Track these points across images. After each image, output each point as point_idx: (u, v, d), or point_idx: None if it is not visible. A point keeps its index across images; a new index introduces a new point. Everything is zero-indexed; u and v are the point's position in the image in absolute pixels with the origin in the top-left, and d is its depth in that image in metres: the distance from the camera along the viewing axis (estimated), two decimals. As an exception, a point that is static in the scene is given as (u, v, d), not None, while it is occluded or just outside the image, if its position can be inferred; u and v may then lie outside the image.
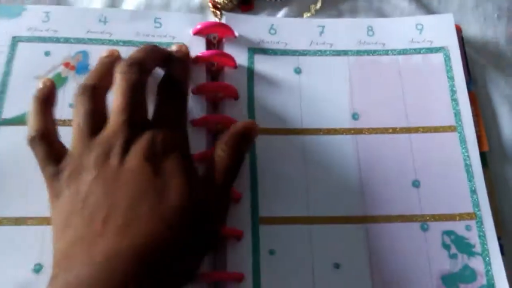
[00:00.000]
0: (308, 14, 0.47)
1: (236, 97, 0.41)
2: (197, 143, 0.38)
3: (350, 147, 0.41)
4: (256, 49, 0.43)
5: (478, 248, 0.38)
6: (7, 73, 0.40)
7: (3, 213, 0.36)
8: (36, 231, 0.35)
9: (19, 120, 0.38)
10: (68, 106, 0.40)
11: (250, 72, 0.42)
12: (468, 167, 0.40)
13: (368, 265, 0.37)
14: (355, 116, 0.42)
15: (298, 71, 0.43)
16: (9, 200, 0.36)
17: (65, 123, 0.39)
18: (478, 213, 0.39)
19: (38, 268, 0.34)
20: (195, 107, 0.40)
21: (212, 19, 0.46)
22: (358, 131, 0.41)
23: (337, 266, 0.37)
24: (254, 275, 0.36)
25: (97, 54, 0.39)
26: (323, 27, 0.45)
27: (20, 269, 0.34)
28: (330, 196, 0.39)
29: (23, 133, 0.34)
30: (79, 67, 0.41)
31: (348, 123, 0.42)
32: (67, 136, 0.34)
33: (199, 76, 0.41)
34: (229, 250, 0.37)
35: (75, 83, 0.40)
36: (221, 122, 0.39)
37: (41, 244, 0.35)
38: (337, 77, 0.43)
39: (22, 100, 0.39)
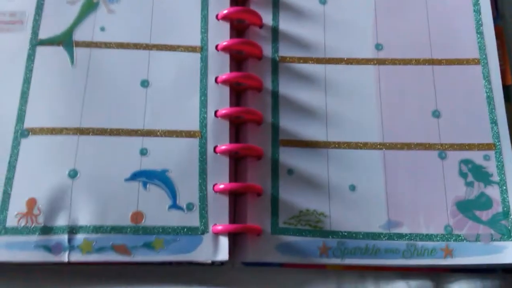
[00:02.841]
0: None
1: (260, 24, 0.42)
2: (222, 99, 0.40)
3: (371, 77, 0.41)
4: (282, -21, 0.44)
5: (495, 177, 0.39)
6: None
7: (40, 124, 0.38)
8: (71, 140, 0.38)
9: (52, 41, 0.40)
10: (99, 30, 0.41)
11: (275, 1, 0.43)
12: (490, 99, 0.41)
13: (384, 189, 0.38)
14: (378, 47, 0.42)
15: (323, 1, 0.43)
16: (45, 112, 0.38)
17: (97, 45, 0.40)
18: (497, 143, 0.39)
19: (73, 174, 0.37)
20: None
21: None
22: (381, 62, 0.42)
23: (353, 188, 0.38)
24: (272, 191, 0.38)
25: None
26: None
27: (56, 174, 0.37)
28: (349, 123, 0.40)
29: (56, 51, 0.39)
30: (110, -7, 0.42)
31: (371, 53, 0.42)
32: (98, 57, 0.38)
33: (224, 3, 0.42)
34: (249, 167, 0.38)
35: (105, 8, 0.42)
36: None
37: (75, 152, 0.37)
38: (362, 8, 0.43)
39: (55, 23, 0.41)
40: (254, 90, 0.40)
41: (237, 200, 0.38)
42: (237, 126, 0.40)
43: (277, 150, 0.39)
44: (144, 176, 0.37)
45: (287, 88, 0.41)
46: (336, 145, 0.39)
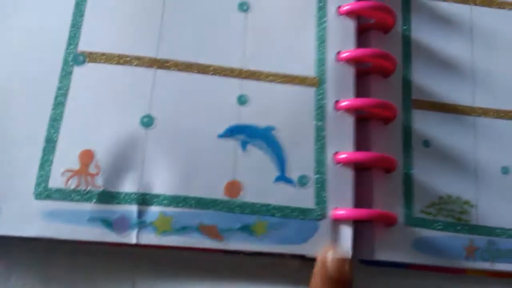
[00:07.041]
0: None
1: None
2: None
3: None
4: None
5: None
6: None
7: (102, 48, 0.27)
8: (145, 74, 0.27)
9: None
10: None
11: None
12: None
13: (546, 176, 0.29)
14: (538, -10, 0.32)
15: None
16: (108, 33, 0.28)
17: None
18: None
19: (147, 121, 0.26)
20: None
21: None
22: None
23: (506, 170, 0.29)
24: (405, 168, 0.28)
25: None
26: None
27: (124, 120, 0.26)
28: (502, 85, 0.30)
29: None
30: None
31: (528, -2, 0.32)
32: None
33: None
34: (374, 133, 0.28)
35: None
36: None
37: (151, 92, 0.27)
38: None
39: None
40: (379, 30, 0.30)
41: (357, 177, 0.28)
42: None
43: (409, 112, 0.29)
44: (243, 133, 0.27)
45: (421, 32, 0.31)
46: (484, 113, 0.30)
